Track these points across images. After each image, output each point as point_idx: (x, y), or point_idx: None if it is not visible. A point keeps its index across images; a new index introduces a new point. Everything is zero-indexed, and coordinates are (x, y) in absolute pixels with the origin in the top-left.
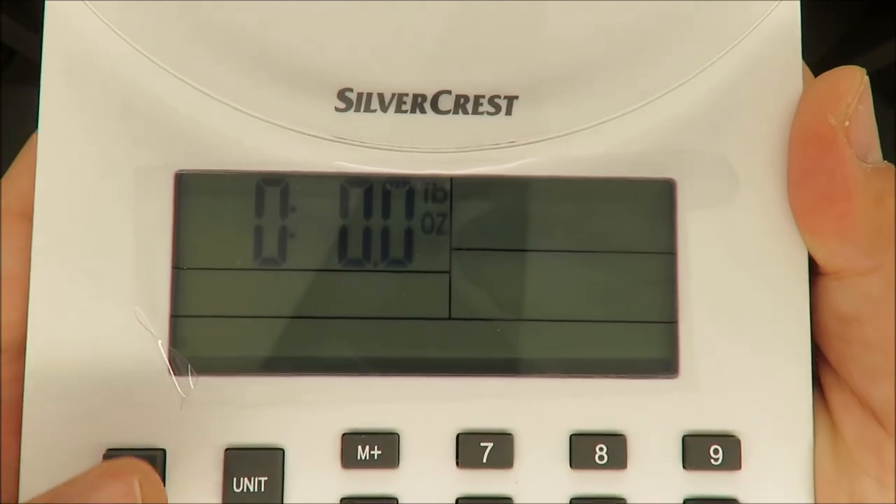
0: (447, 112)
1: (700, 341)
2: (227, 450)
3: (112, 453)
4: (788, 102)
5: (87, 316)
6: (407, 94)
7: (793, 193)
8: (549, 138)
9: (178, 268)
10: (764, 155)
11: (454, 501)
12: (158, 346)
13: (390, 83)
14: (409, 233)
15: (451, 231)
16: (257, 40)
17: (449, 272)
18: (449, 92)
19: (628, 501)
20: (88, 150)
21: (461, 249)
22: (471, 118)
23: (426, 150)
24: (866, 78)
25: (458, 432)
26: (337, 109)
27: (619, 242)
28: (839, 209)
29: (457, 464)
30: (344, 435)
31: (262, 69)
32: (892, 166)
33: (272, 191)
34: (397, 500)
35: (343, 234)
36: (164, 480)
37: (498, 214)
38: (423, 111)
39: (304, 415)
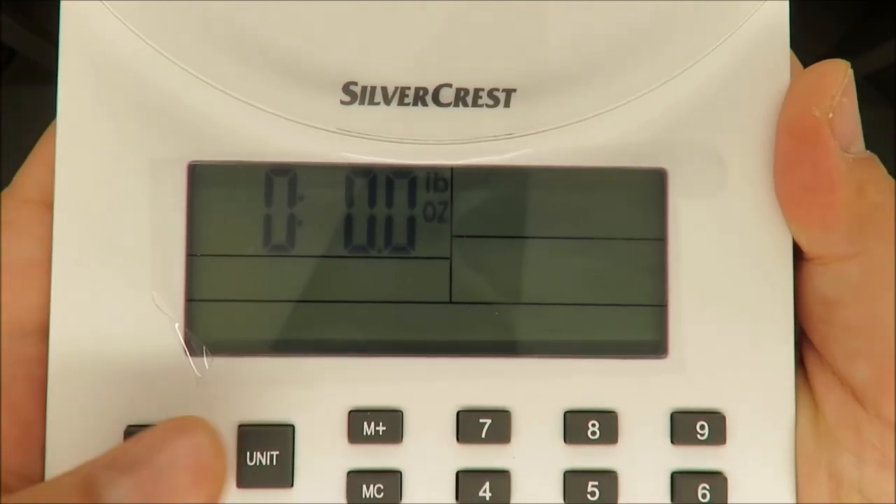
0: (448, 105)
1: (688, 324)
2: (240, 426)
3: (132, 429)
4: (776, 96)
5: (107, 300)
6: (409, 88)
7: (779, 183)
8: (546, 130)
9: (192, 254)
10: (752, 146)
11: (454, 474)
12: (175, 329)
13: (393, 77)
14: (411, 220)
15: (451, 219)
16: (266, 38)
17: (449, 258)
18: (449, 85)
19: (619, 474)
20: (106, 144)
21: (461, 236)
22: (470, 110)
23: (428, 141)
24: (850, 72)
25: (458, 409)
26: (342, 102)
27: (613, 229)
28: (823, 199)
29: (457, 439)
30: (350, 412)
31: (270, 65)
32: (874, 156)
33: (281, 181)
34: (401, 473)
35: (348, 221)
36: None
37: (496, 203)
38: (424, 104)
39: (313, 393)
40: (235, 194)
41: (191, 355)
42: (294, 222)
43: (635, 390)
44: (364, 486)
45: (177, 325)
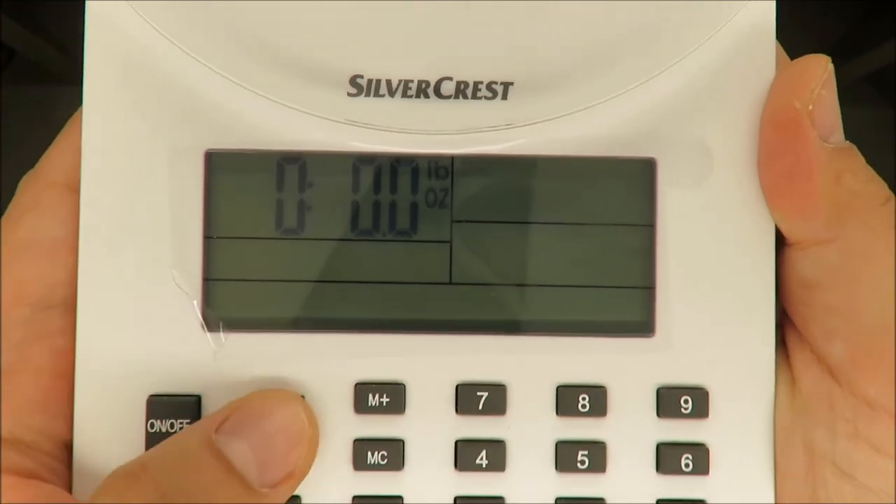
0: (449, 97)
1: (675, 305)
2: None
3: (155, 399)
4: (761, 90)
5: (130, 278)
6: (412, 81)
7: (762, 172)
8: (541, 121)
9: (208, 237)
10: (737, 138)
11: (453, 443)
12: (193, 306)
13: (397, 70)
14: (414, 206)
15: (452, 205)
16: (279, 35)
17: (450, 242)
18: (450, 78)
19: (607, 445)
20: (129, 133)
21: (461, 221)
22: (470, 102)
23: (430, 131)
24: (830, 66)
25: (457, 383)
26: (349, 94)
27: (604, 216)
28: (803, 187)
29: (456, 411)
30: (357, 385)
31: (282, 60)
32: (852, 146)
33: (291, 168)
34: (403, 442)
35: (355, 207)
36: None
37: (495, 190)
38: (426, 96)
39: (322, 367)
40: (249, 180)
41: (208, 331)
42: (304, 207)
43: (624, 367)
44: (369, 454)
45: (195, 302)
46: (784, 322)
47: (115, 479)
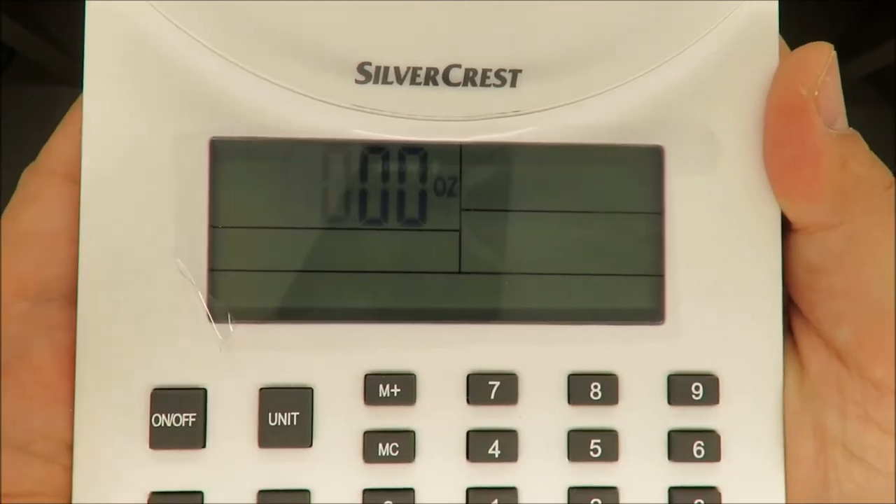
0: (457, 84)
1: (684, 292)
2: (261, 389)
3: (159, 392)
4: (766, 78)
5: (133, 269)
6: (420, 68)
7: (768, 158)
8: (550, 108)
9: (214, 226)
10: (743, 125)
11: (465, 434)
12: (199, 296)
13: (405, 57)
14: (422, 195)
15: (460, 193)
16: (286, 21)
17: (459, 230)
18: (459, 66)
19: (619, 433)
20: (131, 121)
21: (470, 210)
22: (479, 90)
23: (438, 118)
24: (833, 53)
25: (468, 373)
26: (357, 82)
27: (612, 203)
28: (808, 172)
29: (467, 401)
30: (367, 375)
31: (289, 46)
32: (856, 132)
33: (298, 156)
34: (414, 433)
35: (363, 195)
36: (205, 415)
37: (503, 178)
38: (435, 83)
39: (331, 358)
40: (255, 169)
41: (214, 322)
42: (311, 196)
43: (634, 355)
44: (380, 446)
45: (200, 293)
46: (789, 308)
47: None
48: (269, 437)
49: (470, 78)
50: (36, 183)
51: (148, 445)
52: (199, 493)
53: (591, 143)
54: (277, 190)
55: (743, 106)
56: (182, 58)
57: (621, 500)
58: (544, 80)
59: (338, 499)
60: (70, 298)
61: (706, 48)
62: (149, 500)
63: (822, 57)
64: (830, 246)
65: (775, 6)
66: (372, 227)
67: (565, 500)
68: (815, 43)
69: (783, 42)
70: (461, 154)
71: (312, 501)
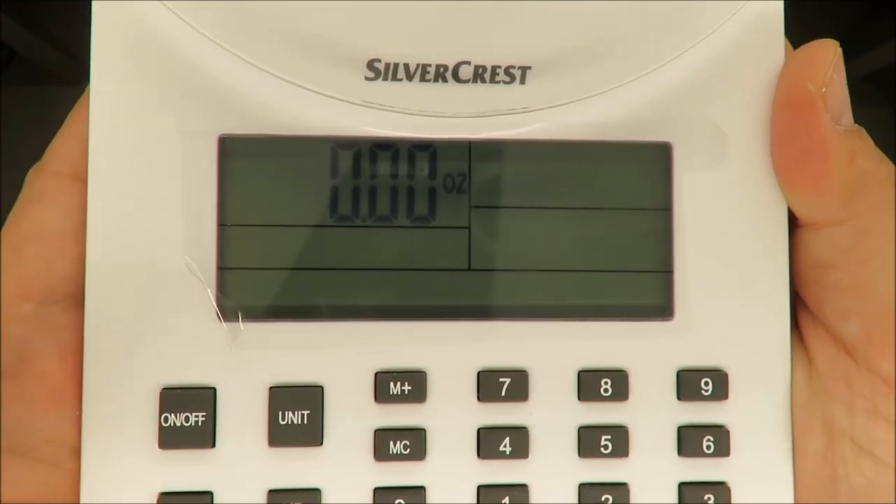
0: (467, 81)
1: (693, 288)
2: (271, 387)
3: (168, 391)
4: (772, 74)
5: (141, 268)
6: (430, 65)
7: (775, 154)
8: (559, 105)
9: (222, 224)
10: (751, 121)
11: (476, 431)
12: (208, 295)
13: (415, 54)
14: (432, 192)
15: (470, 190)
16: (295, 17)
17: (468, 227)
18: (468, 63)
19: (629, 429)
20: (138, 118)
21: (479, 207)
22: (488, 87)
23: (447, 115)
24: (839, 50)
25: (478, 370)
26: (366, 78)
27: (621, 200)
28: (816, 168)
29: (478, 398)
30: (377, 373)
31: (299, 43)
32: (861, 129)
33: (307, 153)
34: (425, 431)
35: (372, 192)
36: (214, 415)
37: (512, 175)
38: (444, 80)
39: (341, 356)
40: (264, 166)
41: (224, 320)
42: (321, 193)
43: (644, 351)
44: (391, 443)
45: (209, 291)
46: (796, 303)
47: None
48: (280, 435)
49: (479, 75)
50: (40, 183)
51: (157, 445)
52: (209, 494)
53: (599, 140)
54: (286, 187)
55: (750, 103)
56: (190, 54)
57: (631, 496)
58: (553, 78)
59: (349, 498)
60: (76, 299)
61: (713, 46)
62: (158, 501)
63: (829, 54)
64: (837, 241)
65: (781, 5)
66: (381, 225)
67: (576, 497)
68: (821, 40)
69: (786, 41)
70: (470, 151)
71: (323, 500)
